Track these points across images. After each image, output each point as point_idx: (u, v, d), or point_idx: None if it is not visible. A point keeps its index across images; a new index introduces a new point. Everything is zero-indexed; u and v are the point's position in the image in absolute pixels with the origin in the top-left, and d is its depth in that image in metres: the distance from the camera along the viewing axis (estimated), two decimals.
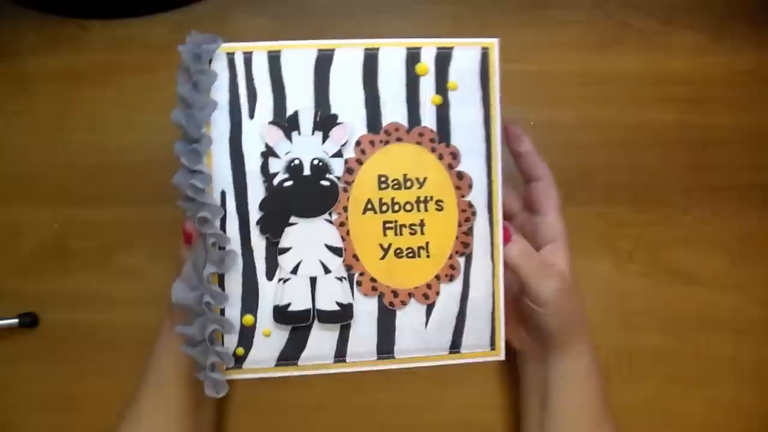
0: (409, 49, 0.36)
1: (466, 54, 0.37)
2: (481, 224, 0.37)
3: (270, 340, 0.36)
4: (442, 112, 0.37)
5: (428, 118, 0.37)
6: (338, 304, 0.36)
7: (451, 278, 0.37)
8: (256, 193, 0.35)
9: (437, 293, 0.37)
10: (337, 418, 0.49)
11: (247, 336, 0.36)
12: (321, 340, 0.36)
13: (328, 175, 0.36)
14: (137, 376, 0.41)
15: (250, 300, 0.36)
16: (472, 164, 0.37)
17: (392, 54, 0.36)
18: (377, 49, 0.36)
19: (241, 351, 0.36)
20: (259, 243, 0.36)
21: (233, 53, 0.35)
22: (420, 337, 0.37)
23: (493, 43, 0.37)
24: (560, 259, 0.41)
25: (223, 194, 0.35)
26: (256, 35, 0.51)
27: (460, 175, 0.37)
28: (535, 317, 0.39)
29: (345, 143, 0.36)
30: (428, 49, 0.36)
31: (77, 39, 0.52)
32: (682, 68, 0.52)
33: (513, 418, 0.48)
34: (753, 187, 0.51)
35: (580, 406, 0.41)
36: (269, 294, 0.36)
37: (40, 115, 0.51)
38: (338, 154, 0.36)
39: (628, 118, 0.51)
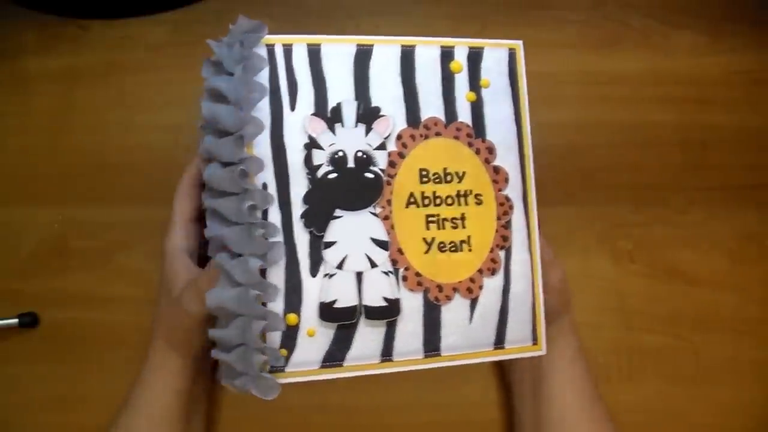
0: (443, 47, 0.37)
1: (495, 54, 0.38)
2: (518, 217, 0.38)
3: (315, 339, 0.34)
4: (477, 109, 0.37)
5: (464, 114, 0.37)
6: (385, 299, 0.35)
7: (493, 272, 0.37)
8: (299, 185, 0.34)
9: (480, 287, 0.36)
10: (338, 419, 0.49)
11: (290, 336, 0.34)
12: (367, 338, 0.35)
13: (372, 168, 0.35)
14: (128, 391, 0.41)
15: (293, 298, 0.34)
16: (506, 159, 0.38)
17: (428, 52, 0.37)
18: (414, 46, 0.37)
19: (284, 352, 0.33)
20: (302, 237, 0.34)
21: (273, 45, 0.35)
22: (465, 333, 0.36)
23: (518, 45, 0.38)
24: (545, 248, 0.42)
25: (264, 187, 0.34)
26: None
27: (497, 170, 0.37)
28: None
29: (388, 136, 0.36)
30: (461, 48, 0.37)
31: (77, 39, 0.52)
32: (682, 68, 0.52)
33: (512, 416, 0.48)
34: (753, 187, 0.51)
35: (574, 387, 0.42)
36: (314, 291, 0.34)
37: (40, 115, 0.51)
38: (382, 146, 0.36)
39: (628, 118, 0.51)
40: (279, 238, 0.33)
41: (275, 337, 0.33)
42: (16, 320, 0.48)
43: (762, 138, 0.51)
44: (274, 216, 0.34)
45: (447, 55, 0.37)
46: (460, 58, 0.37)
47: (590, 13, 0.52)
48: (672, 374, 0.49)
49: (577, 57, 0.52)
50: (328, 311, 0.34)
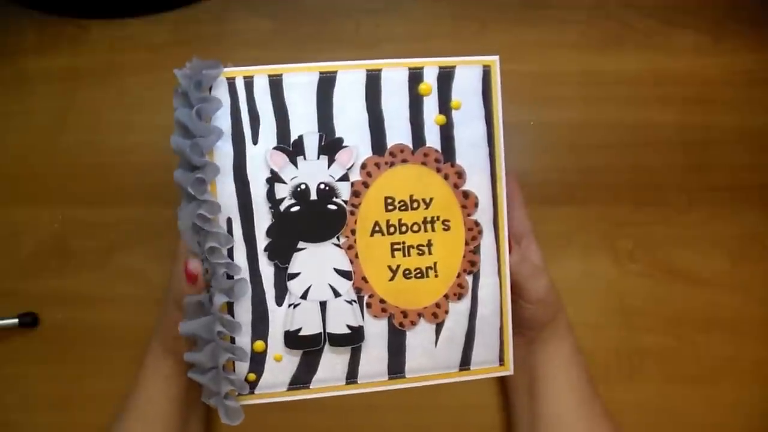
0: (411, 69, 0.36)
1: (468, 72, 0.36)
2: (487, 242, 0.37)
3: (281, 364, 0.36)
4: (446, 132, 0.36)
5: (432, 138, 0.36)
6: (349, 327, 0.36)
7: (460, 297, 0.37)
8: (262, 219, 0.35)
9: (446, 312, 0.37)
10: (337, 419, 0.49)
11: (258, 361, 0.36)
12: (332, 363, 0.36)
13: (335, 199, 0.36)
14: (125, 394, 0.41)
15: (260, 326, 0.36)
16: (476, 182, 0.37)
17: (394, 75, 0.36)
18: (379, 70, 0.36)
19: (252, 377, 0.36)
20: (267, 269, 0.35)
21: (234, 78, 0.35)
22: (430, 356, 0.37)
23: (494, 61, 0.36)
24: (534, 253, 0.42)
25: (229, 221, 0.35)
26: (255, 35, 0.52)
27: (466, 194, 0.37)
28: (528, 314, 0.40)
29: (351, 166, 0.36)
30: (430, 68, 0.36)
31: (77, 39, 0.52)
32: (682, 68, 0.52)
33: (509, 415, 0.48)
34: (753, 187, 0.51)
35: (570, 385, 0.42)
36: (279, 319, 0.36)
37: (40, 115, 0.51)
38: (344, 177, 0.36)
39: (628, 118, 0.51)
40: (242, 275, 0.35)
41: (244, 362, 0.35)
42: (16, 320, 0.48)
43: (763, 138, 0.51)
44: (240, 249, 0.35)
45: (415, 77, 0.36)
46: (430, 79, 0.36)
47: (591, 12, 0.52)
48: (673, 374, 0.49)
49: (577, 57, 0.52)
50: (292, 339, 0.36)
